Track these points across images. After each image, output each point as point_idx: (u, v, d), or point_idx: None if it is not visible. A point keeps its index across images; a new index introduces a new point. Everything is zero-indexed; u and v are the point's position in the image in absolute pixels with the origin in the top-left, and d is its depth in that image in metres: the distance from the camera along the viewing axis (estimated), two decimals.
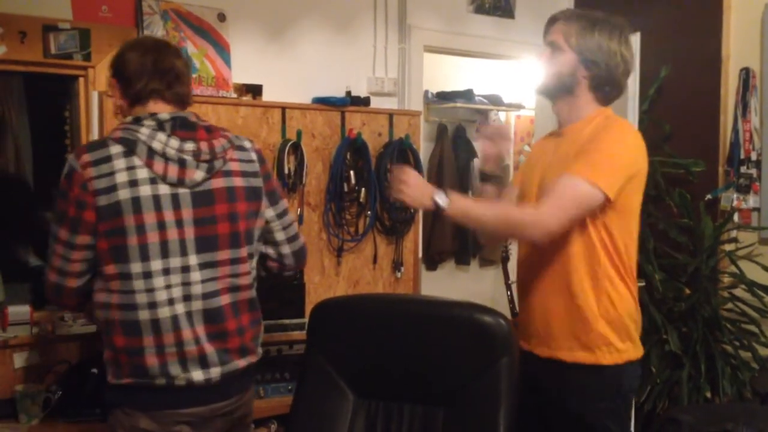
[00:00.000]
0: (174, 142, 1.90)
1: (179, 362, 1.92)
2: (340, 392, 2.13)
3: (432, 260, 5.18)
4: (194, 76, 3.21)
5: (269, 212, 2.09)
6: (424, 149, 4.22)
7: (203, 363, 1.95)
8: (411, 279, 3.75)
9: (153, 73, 1.98)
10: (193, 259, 1.92)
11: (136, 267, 1.88)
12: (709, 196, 3.75)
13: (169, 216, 1.89)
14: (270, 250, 2.15)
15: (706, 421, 1.89)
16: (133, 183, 1.86)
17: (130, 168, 1.87)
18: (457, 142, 5.27)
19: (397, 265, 3.69)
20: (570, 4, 4.46)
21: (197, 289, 1.93)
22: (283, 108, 3.38)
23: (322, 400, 2.14)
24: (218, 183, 1.96)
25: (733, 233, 3.72)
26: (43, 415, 2.77)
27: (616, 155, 2.04)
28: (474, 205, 2.06)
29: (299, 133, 3.39)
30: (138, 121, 1.92)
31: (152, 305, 1.88)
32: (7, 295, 3.06)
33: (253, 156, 2.07)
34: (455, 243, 5.23)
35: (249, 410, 2.18)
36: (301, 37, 3.63)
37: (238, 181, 2.00)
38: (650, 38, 3.57)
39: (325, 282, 3.48)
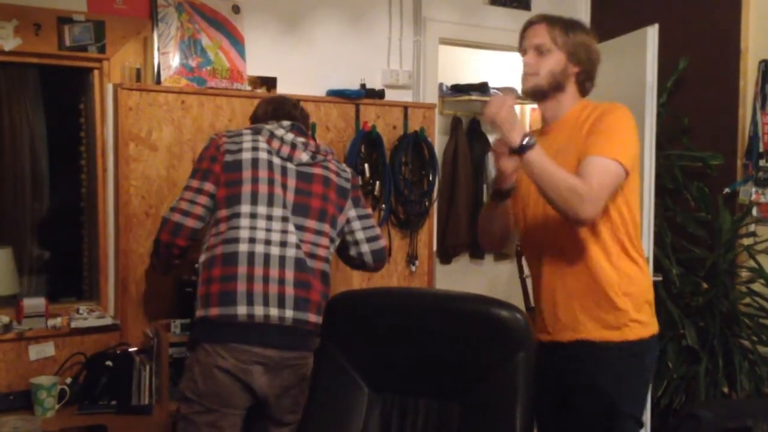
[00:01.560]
0: (290, 135, 2.43)
1: (263, 294, 2.23)
2: (355, 386, 2.12)
3: (446, 253, 5.15)
4: (208, 68, 3.20)
5: (352, 212, 2.48)
6: (438, 142, 4.20)
7: (281, 302, 2.24)
8: (425, 272, 3.74)
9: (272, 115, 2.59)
10: (289, 216, 2.33)
11: (245, 208, 2.29)
12: (727, 190, 3.71)
13: (277, 177, 2.35)
14: (351, 247, 2.51)
15: (726, 417, 1.86)
16: (255, 149, 2.37)
17: (255, 140, 2.40)
18: (471, 135, 5.24)
19: (411, 258, 3.68)
20: None
21: (293, 238, 2.31)
22: (298, 100, 3.35)
23: (337, 394, 2.13)
24: (318, 170, 2.43)
25: (752, 227, 3.68)
26: (59, 407, 2.79)
27: (626, 130, 2.14)
28: (550, 161, 2.05)
29: (314, 126, 3.37)
30: (265, 120, 2.54)
31: (252, 240, 2.26)
32: (23, 287, 3.08)
33: (348, 170, 2.56)
34: (469, 236, 5.21)
35: (309, 375, 2.25)
36: (315, 30, 3.61)
37: (333, 177, 2.45)
38: (668, 30, 3.52)
39: (339, 275, 3.46)
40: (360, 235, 2.49)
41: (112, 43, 3.04)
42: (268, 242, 2.28)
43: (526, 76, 2.25)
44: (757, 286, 3.58)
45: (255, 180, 2.33)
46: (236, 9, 3.32)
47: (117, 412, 2.80)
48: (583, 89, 2.28)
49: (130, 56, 3.09)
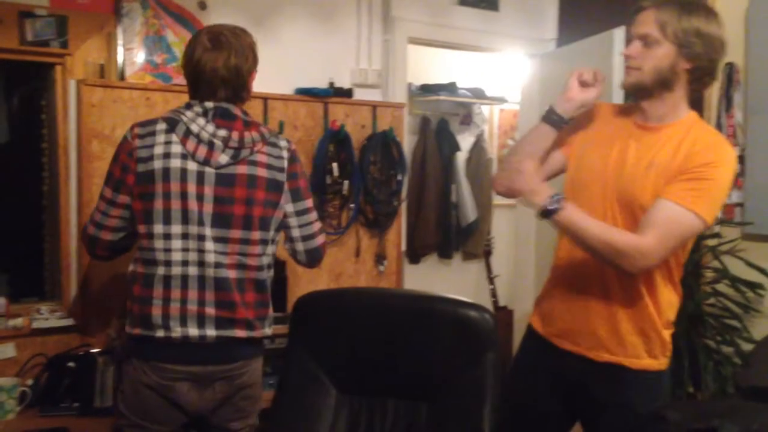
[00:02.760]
0: (210, 128, 2.14)
1: (180, 317, 2.10)
2: (322, 387, 2.10)
3: (415, 254, 5.16)
4: (174, 65, 3.16)
5: (288, 207, 2.24)
6: (407, 142, 4.20)
7: (201, 323, 2.11)
8: (394, 272, 3.73)
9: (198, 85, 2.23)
10: (208, 231, 2.13)
11: (158, 228, 2.12)
12: None
13: (192, 188, 2.12)
14: (287, 243, 2.32)
15: (693, 418, 1.88)
16: (167, 156, 2.12)
17: (167, 143, 2.13)
18: (440, 135, 5.25)
19: (380, 258, 3.66)
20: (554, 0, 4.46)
21: (210, 258, 2.12)
22: (265, 99, 3.34)
23: (305, 395, 2.11)
24: (242, 169, 2.15)
25: (716, 228, 3.71)
26: (20, 409, 2.73)
27: (724, 188, 1.94)
28: (583, 216, 1.91)
29: (281, 125, 3.35)
30: (189, 106, 2.18)
31: (167, 263, 2.11)
32: None
33: (284, 154, 2.24)
34: (438, 237, 5.22)
35: (253, 381, 2.24)
36: (284, 27, 3.58)
37: (262, 171, 2.18)
38: None
39: (307, 275, 3.44)
40: (295, 233, 2.28)
41: (75, 38, 2.99)
42: (185, 263, 2.11)
43: (628, 70, 2.00)
44: (721, 287, 3.62)
45: (167, 195, 2.11)
46: (202, 5, 3.28)
47: (79, 414, 2.75)
48: (701, 85, 2.01)
49: (94, 52, 3.04)
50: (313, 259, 2.36)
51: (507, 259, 5.25)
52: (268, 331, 2.25)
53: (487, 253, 4.95)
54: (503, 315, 4.68)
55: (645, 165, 1.97)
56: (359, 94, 3.70)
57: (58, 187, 3.07)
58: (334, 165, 3.48)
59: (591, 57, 3.62)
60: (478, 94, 5.26)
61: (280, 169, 2.22)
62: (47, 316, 2.92)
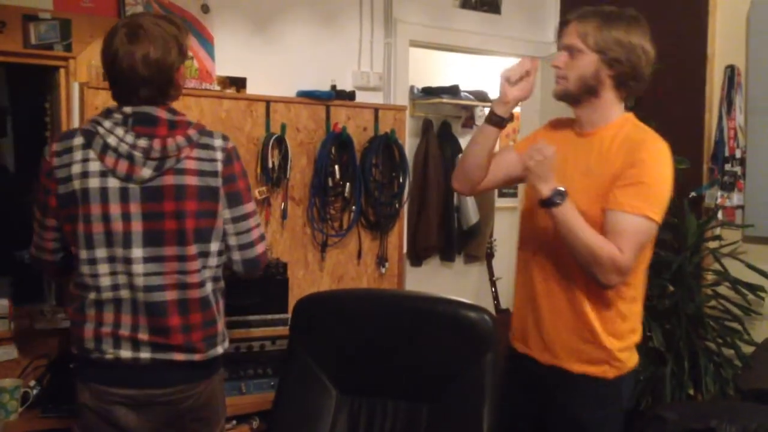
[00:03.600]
0: (129, 138, 1.94)
1: (112, 340, 1.98)
2: (322, 388, 2.12)
3: (417, 256, 5.17)
4: None
5: (225, 213, 2.03)
6: (409, 144, 4.21)
7: (135, 345, 1.98)
8: (395, 274, 3.74)
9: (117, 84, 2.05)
10: (137, 252, 1.96)
11: (83, 253, 1.98)
12: (693, 194, 3.75)
13: (115, 209, 1.95)
14: (226, 252, 2.09)
15: (691, 419, 1.89)
16: (85, 175, 1.95)
17: (85, 160, 1.96)
18: (442, 138, 5.26)
19: (381, 260, 3.67)
20: (556, 1, 4.46)
21: (139, 281, 1.96)
22: (268, 101, 3.35)
23: (305, 396, 2.12)
24: (168, 180, 1.95)
25: (717, 231, 3.72)
26: (22, 410, 2.74)
27: (664, 182, 2.01)
28: (579, 219, 1.96)
29: (283, 127, 3.36)
30: (108, 113, 1.99)
31: (97, 288, 1.98)
32: None
33: (218, 156, 2.00)
34: (440, 239, 5.23)
35: (203, 403, 2.06)
36: (286, 30, 3.59)
37: (191, 180, 1.96)
38: None
39: (309, 277, 3.46)
40: (231, 241, 2.04)
41: (78, 41, 3.00)
42: (115, 287, 1.97)
43: (556, 79, 2.10)
44: (722, 289, 3.62)
45: (87, 218, 1.95)
46: (205, 8, 3.29)
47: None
48: (628, 90, 2.10)
49: (97, 55, 3.00)
50: (251, 269, 2.11)
51: (509, 261, 5.25)
52: (219, 350, 2.07)
53: (489, 256, 4.95)
54: (505, 317, 4.67)
55: (581, 171, 2.05)
56: (361, 97, 3.71)
57: None
58: (336, 167, 3.48)
59: None
60: (481, 96, 5.27)
61: (213, 174, 1.99)
62: (50, 318, 2.93)
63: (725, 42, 3.74)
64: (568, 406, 2.10)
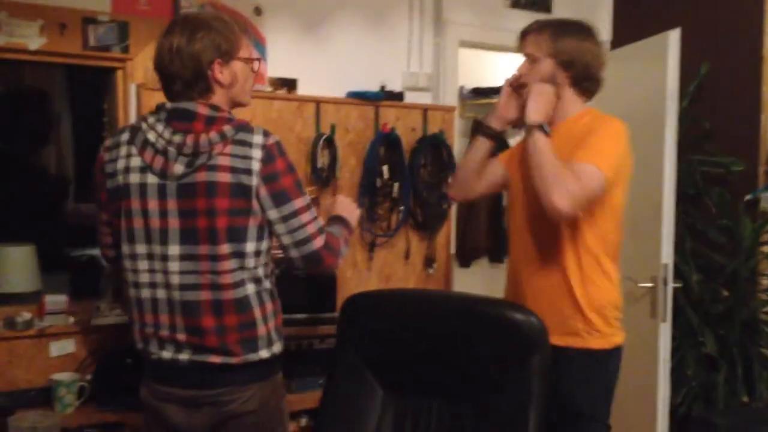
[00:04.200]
0: (166, 134, 1.93)
1: (156, 341, 2.00)
2: (369, 387, 2.13)
3: (465, 257, 5.14)
4: None
5: (273, 213, 1.94)
6: (459, 145, 4.20)
7: (176, 346, 1.98)
8: (443, 275, 3.74)
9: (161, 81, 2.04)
10: (174, 249, 1.94)
11: (125, 248, 2.00)
12: (748, 197, 3.68)
13: (153, 205, 1.94)
14: (282, 251, 2.03)
15: (741, 425, 1.86)
16: (127, 170, 1.97)
17: (128, 156, 1.97)
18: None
19: (429, 261, 3.68)
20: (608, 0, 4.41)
21: (175, 279, 1.94)
22: (318, 102, 3.38)
23: (352, 395, 2.14)
24: (201, 177, 1.90)
25: None
26: (78, 403, 2.82)
27: (614, 144, 2.19)
28: (550, 149, 2.14)
29: (333, 127, 3.39)
30: (155, 110, 1.99)
31: (136, 285, 2.00)
32: (45, 284, 3.12)
33: (256, 154, 1.91)
34: (489, 240, 5.19)
35: (248, 409, 2.00)
36: (336, 32, 3.62)
37: (223, 177, 1.90)
38: (690, 34, 3.49)
39: (356, 276, 3.48)
40: (286, 240, 1.96)
41: (135, 43, 3.08)
42: (152, 285, 1.97)
43: (509, 86, 2.38)
44: None
45: (128, 213, 1.96)
46: (258, 11, 3.34)
47: (136, 408, 2.81)
48: (585, 91, 2.30)
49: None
50: (312, 265, 2.01)
51: None
52: (263, 354, 1.99)
53: None
54: None
55: None
56: (410, 98, 3.72)
57: None
58: (385, 168, 3.50)
59: (645, 59, 3.57)
60: None
61: (247, 171, 1.90)
62: (106, 313, 3.00)
63: None
64: (557, 381, 2.14)
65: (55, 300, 2.94)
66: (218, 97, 1.99)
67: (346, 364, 2.17)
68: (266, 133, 1.95)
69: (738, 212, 3.64)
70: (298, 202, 1.96)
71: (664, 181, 3.27)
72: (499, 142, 2.54)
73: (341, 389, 2.17)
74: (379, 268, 3.57)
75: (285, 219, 1.95)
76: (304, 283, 3.08)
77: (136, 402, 2.83)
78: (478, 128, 2.50)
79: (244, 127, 1.94)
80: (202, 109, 1.94)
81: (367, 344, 2.16)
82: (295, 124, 3.33)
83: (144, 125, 1.96)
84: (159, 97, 2.98)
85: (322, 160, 3.35)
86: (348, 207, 2.23)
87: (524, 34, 2.33)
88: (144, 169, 1.94)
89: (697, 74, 3.83)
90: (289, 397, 2.93)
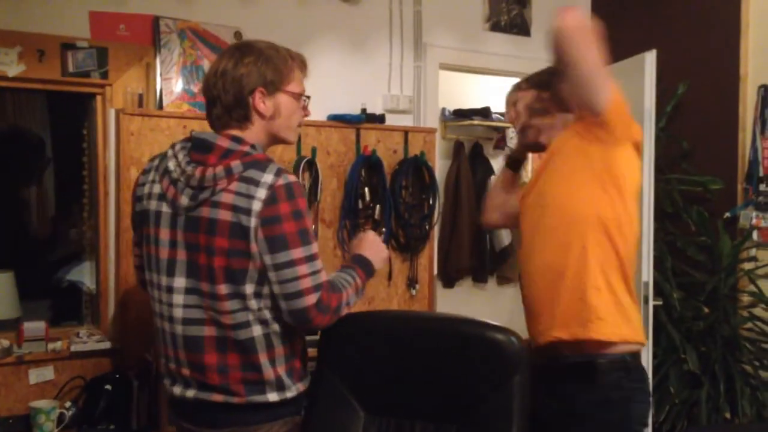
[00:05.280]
0: (183, 163, 1.87)
1: (168, 374, 1.99)
2: (350, 409, 2.12)
3: (449, 278, 5.15)
4: None
5: (267, 259, 1.81)
6: (441, 166, 4.23)
7: (184, 381, 1.94)
8: (426, 296, 3.74)
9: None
10: (180, 282, 1.88)
11: (146, 275, 1.98)
12: (727, 214, 3.71)
13: (164, 234, 1.89)
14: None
15: None
16: (149, 196, 1.93)
17: (153, 182, 1.94)
18: (474, 160, 5.25)
19: (411, 282, 3.68)
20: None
21: (178, 313, 1.89)
22: (299, 125, 3.38)
23: (333, 417, 2.12)
24: (205, 212, 1.82)
25: (752, 252, 3.67)
26: (57, 431, 2.79)
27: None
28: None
29: (314, 150, 3.40)
30: (188, 137, 1.95)
31: (155, 313, 1.96)
32: (25, 311, 3.10)
33: (260, 194, 1.79)
34: (472, 260, 5.21)
35: None
36: (316, 55, 3.64)
37: (224, 215, 1.80)
38: (667, 55, 3.55)
39: None
40: (275, 289, 1.82)
41: (114, 69, 3.08)
42: (161, 316, 1.94)
43: (517, 133, 2.40)
44: (758, 311, 3.57)
45: (147, 240, 1.93)
46: (238, 35, 3.36)
47: None
48: (567, 103, 2.22)
49: (133, 82, 3.13)
50: (300, 321, 1.86)
51: None
52: (270, 397, 1.90)
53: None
54: None
55: (549, 171, 2.20)
56: (391, 120, 3.74)
57: (98, 213, 3.15)
58: (366, 190, 3.52)
59: (622, 80, 3.60)
60: None
61: (247, 211, 1.78)
62: (85, 340, 2.98)
63: (758, 62, 3.70)
64: (564, 390, 2.14)
65: (34, 327, 2.92)
66: (257, 128, 1.92)
67: (326, 386, 2.16)
68: (278, 173, 1.81)
69: (717, 230, 3.68)
70: (296, 252, 1.80)
71: (643, 200, 3.29)
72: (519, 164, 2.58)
73: (322, 412, 2.15)
74: None
75: (277, 267, 1.81)
76: None
77: (116, 428, 2.83)
78: (506, 159, 2.59)
79: (257, 164, 1.81)
80: (222, 141, 1.85)
81: (347, 366, 2.15)
82: (276, 148, 3.29)
83: (169, 152, 1.91)
84: (138, 122, 3.02)
85: (304, 182, 3.36)
86: (374, 246, 2.11)
87: (509, 104, 2.39)
88: (161, 197, 1.89)
89: (674, 94, 3.88)
90: None
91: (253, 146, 1.87)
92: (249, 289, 1.83)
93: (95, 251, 3.19)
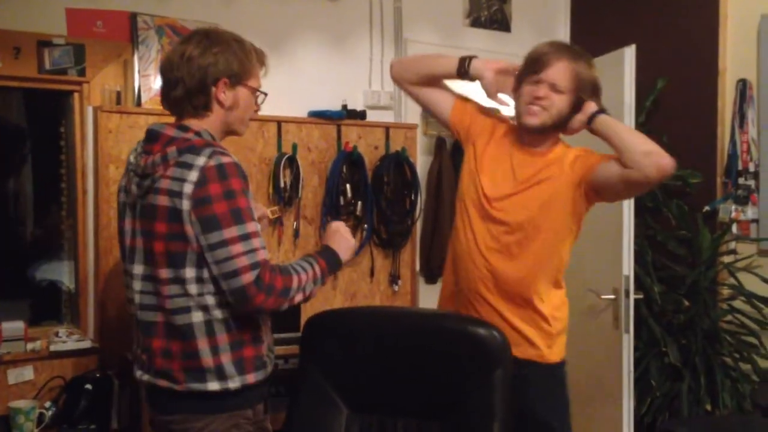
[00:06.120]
0: (138, 155, 1.95)
1: (134, 358, 2.04)
2: (333, 406, 2.12)
3: (431, 273, 5.15)
4: None
5: (201, 240, 1.83)
6: (423, 163, 4.21)
7: (141, 365, 1.98)
8: (408, 292, 3.74)
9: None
10: (138, 269, 1.93)
11: (123, 263, 2.05)
12: (707, 208, 3.74)
13: (128, 224, 1.97)
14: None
15: None
16: (119, 190, 2.05)
17: (123, 176, 2.04)
18: (456, 156, 5.24)
19: (394, 278, 3.68)
20: (566, 18, 4.47)
21: (137, 299, 1.95)
22: (279, 122, 3.38)
23: (316, 415, 2.12)
24: (149, 199, 1.88)
25: (732, 245, 3.70)
26: (37, 431, 2.76)
27: None
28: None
29: (295, 147, 3.39)
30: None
31: (126, 300, 2.04)
32: (3, 311, 3.06)
33: (192, 176, 1.81)
34: None
35: None
36: (297, 51, 3.63)
37: (162, 200, 1.84)
38: (646, 50, 3.56)
39: (321, 296, 3.46)
40: (214, 270, 1.83)
41: (92, 66, 3.05)
42: (130, 302, 1.99)
43: (531, 108, 2.23)
44: (738, 304, 3.60)
45: (120, 231, 2.03)
46: None
47: None
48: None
49: (111, 79, 3.10)
50: (239, 300, 1.84)
51: None
52: (211, 386, 1.89)
53: None
54: None
55: (534, 182, 2.25)
56: (372, 116, 3.74)
57: (76, 212, 3.13)
58: (348, 186, 3.51)
59: (602, 75, 3.62)
60: (493, 113, 5.26)
61: (180, 195, 1.82)
62: (65, 339, 2.96)
63: (736, 56, 3.73)
64: (525, 397, 2.17)
65: (13, 327, 2.89)
66: (213, 117, 1.95)
67: (309, 384, 2.15)
68: (211, 155, 1.83)
69: (697, 223, 3.70)
70: (229, 232, 1.81)
71: None
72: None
73: (305, 410, 2.15)
74: (344, 286, 3.56)
75: (212, 248, 1.82)
76: None
77: (96, 428, 2.81)
78: (462, 61, 2.42)
79: (193, 149, 1.84)
80: (168, 130, 1.90)
81: (329, 363, 2.15)
82: (257, 144, 3.32)
83: (137, 146, 1.99)
84: (116, 120, 2.99)
85: (285, 179, 3.35)
86: (338, 236, 2.10)
87: (553, 60, 2.21)
88: (125, 189, 1.99)
89: (653, 89, 3.89)
90: None
91: (198, 133, 1.90)
92: (189, 273, 1.85)
93: (74, 250, 3.16)
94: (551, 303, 2.28)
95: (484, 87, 2.40)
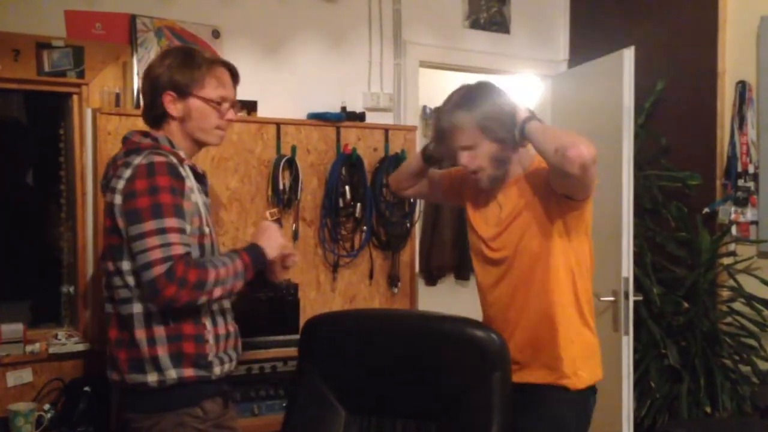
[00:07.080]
0: None
1: None
2: (331, 408, 2.12)
3: (431, 276, 5.16)
4: None
5: (125, 233, 1.94)
6: None
7: (108, 360, 2.08)
8: (408, 294, 3.74)
9: None
10: (106, 264, 2.05)
11: None
12: (706, 210, 3.73)
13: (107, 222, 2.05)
14: None
15: None
16: None
17: None
18: None
19: (393, 280, 3.67)
20: (565, 20, 4.47)
21: (104, 292, 2.07)
22: (278, 124, 3.38)
23: (314, 417, 2.12)
24: (105, 197, 2.03)
25: (731, 246, 3.70)
26: None
27: None
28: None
29: (294, 149, 3.39)
30: None
31: None
32: (2, 313, 3.05)
33: (126, 174, 1.94)
34: (455, 258, 5.21)
35: None
36: (296, 53, 3.63)
37: (108, 197, 2.00)
38: (645, 52, 3.57)
39: (320, 298, 3.46)
40: (135, 263, 1.92)
41: (91, 68, 3.05)
42: None
43: (472, 177, 2.31)
44: (737, 305, 3.59)
45: None
46: (216, 34, 3.34)
47: None
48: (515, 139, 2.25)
49: (110, 81, 3.10)
50: (149, 294, 1.90)
51: None
52: (147, 378, 1.95)
53: None
54: None
55: (516, 213, 2.28)
56: (371, 118, 3.73)
57: (75, 214, 3.13)
58: (347, 188, 3.50)
59: (601, 77, 3.64)
60: None
61: (114, 190, 1.96)
62: (64, 341, 2.95)
63: (736, 58, 3.73)
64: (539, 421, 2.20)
65: (12, 329, 2.88)
66: (172, 128, 2.08)
67: (308, 385, 2.16)
68: (149, 155, 1.94)
69: (696, 225, 3.70)
70: (147, 225, 1.87)
71: (622, 196, 3.31)
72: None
73: (304, 411, 2.15)
74: (344, 288, 3.56)
75: (131, 240, 1.90)
76: (266, 304, 3.06)
77: (95, 430, 2.81)
78: (424, 150, 2.60)
79: (137, 150, 1.98)
80: (135, 137, 2.06)
81: (328, 365, 2.15)
82: (256, 147, 3.32)
83: None
84: (115, 122, 2.99)
85: (284, 181, 3.34)
86: (267, 235, 2.14)
87: (445, 131, 2.27)
88: None
89: (652, 91, 3.90)
90: (254, 420, 2.93)
91: (155, 139, 2.04)
92: (126, 265, 1.96)
93: (73, 252, 3.16)
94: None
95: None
